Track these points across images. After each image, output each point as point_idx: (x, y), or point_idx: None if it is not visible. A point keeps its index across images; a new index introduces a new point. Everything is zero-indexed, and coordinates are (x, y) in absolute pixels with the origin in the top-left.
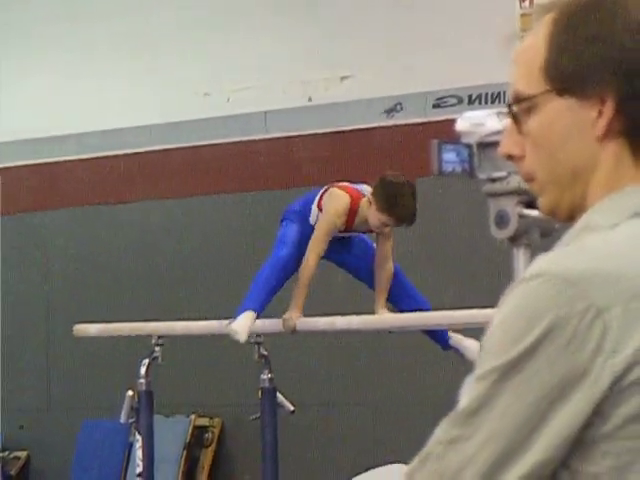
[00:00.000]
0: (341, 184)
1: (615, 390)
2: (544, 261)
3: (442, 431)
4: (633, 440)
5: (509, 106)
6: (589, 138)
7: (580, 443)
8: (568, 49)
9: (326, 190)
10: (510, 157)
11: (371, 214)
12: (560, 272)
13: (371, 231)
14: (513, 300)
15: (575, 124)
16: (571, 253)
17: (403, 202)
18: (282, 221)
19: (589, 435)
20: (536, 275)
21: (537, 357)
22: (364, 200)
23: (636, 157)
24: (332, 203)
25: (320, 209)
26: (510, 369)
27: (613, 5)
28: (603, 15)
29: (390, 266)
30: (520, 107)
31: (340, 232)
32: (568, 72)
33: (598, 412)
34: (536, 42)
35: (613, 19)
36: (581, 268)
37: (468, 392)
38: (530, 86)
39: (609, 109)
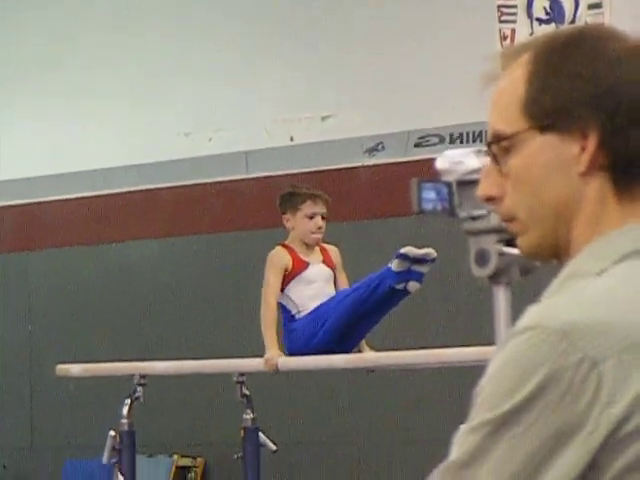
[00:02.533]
0: None
1: (611, 441)
2: (535, 313)
3: None
4: None
5: (489, 146)
6: (572, 174)
7: None
8: (550, 86)
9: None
10: (489, 199)
11: (294, 224)
12: (552, 324)
13: (330, 262)
14: (506, 353)
15: (557, 160)
16: (562, 304)
17: (300, 188)
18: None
19: None
20: (528, 328)
21: (532, 410)
22: (288, 239)
23: (619, 192)
24: None
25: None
26: (504, 422)
27: (595, 42)
28: (585, 52)
29: None
30: (500, 147)
31: (301, 269)
32: (550, 109)
33: (594, 464)
34: (514, 81)
35: (595, 56)
36: (573, 319)
37: (460, 443)
38: (510, 125)
39: (592, 144)
